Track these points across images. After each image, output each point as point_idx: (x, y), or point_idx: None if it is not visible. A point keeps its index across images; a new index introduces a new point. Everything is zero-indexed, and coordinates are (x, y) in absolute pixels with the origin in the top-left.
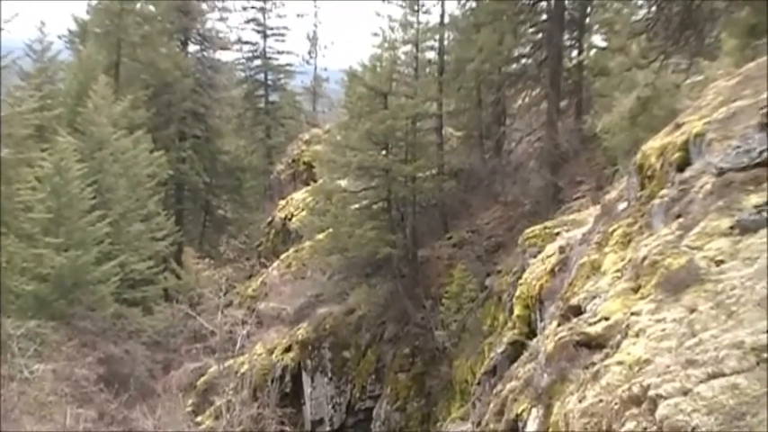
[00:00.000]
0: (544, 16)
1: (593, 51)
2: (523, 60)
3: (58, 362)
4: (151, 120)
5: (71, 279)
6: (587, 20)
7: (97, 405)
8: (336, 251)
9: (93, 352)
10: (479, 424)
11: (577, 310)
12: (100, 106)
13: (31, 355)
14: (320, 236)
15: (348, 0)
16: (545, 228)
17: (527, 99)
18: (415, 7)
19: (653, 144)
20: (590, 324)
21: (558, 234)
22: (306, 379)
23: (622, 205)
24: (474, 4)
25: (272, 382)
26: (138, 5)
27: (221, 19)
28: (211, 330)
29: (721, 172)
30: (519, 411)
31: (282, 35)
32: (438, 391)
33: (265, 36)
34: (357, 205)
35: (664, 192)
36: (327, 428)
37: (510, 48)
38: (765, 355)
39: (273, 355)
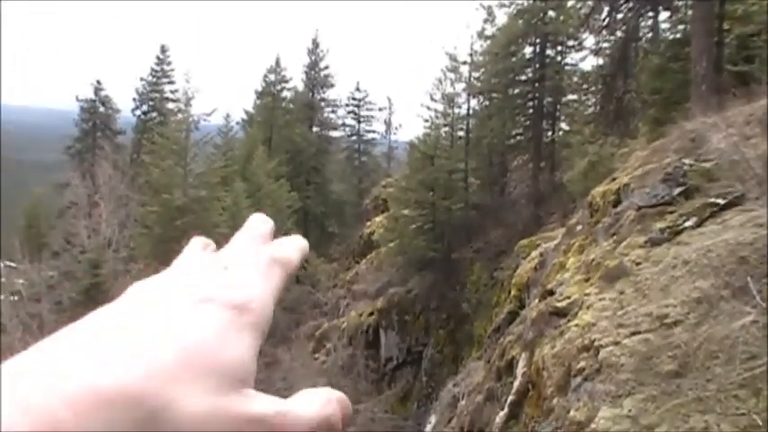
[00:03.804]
0: (531, 110)
1: (561, 132)
2: (518, 137)
3: None
4: (289, 172)
5: None
6: (558, 113)
7: None
8: (401, 254)
9: None
10: (489, 362)
11: (550, 293)
12: (259, 164)
13: None
14: (391, 244)
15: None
16: (531, 241)
17: (520, 161)
18: (451, 104)
19: (598, 190)
20: (558, 301)
21: (539, 245)
22: (381, 332)
23: (579, 228)
24: (487, 102)
25: (361, 333)
26: (283, 104)
27: (333, 111)
28: (324, 302)
29: (639, 207)
30: (514, 354)
31: (370, 121)
32: (464, 341)
33: (359, 121)
34: (414, 225)
35: (604, 219)
36: (394, 363)
37: (510, 129)
38: (665, 321)
39: (362, 318)
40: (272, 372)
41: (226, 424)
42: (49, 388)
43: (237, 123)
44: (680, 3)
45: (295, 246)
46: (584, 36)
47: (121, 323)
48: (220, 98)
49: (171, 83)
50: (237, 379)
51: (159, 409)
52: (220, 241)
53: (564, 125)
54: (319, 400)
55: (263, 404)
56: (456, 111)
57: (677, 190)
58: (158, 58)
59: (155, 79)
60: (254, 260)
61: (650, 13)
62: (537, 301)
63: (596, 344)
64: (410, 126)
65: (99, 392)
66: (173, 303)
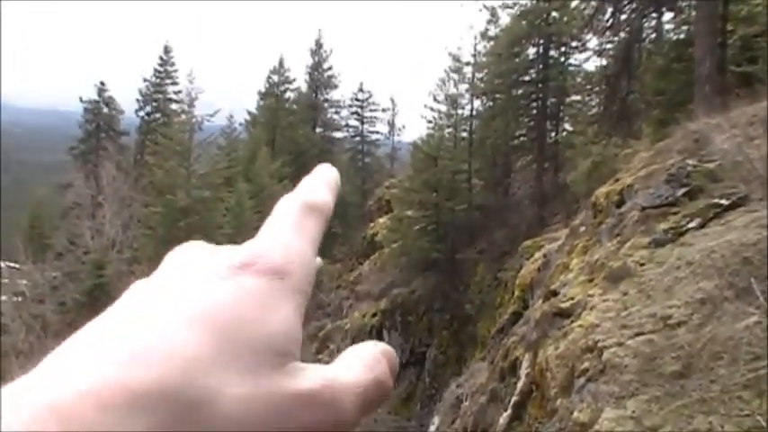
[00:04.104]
0: (535, 111)
1: (564, 133)
2: (522, 138)
3: None
4: (292, 173)
5: None
6: (561, 113)
7: None
8: (404, 254)
9: None
10: (492, 362)
11: (554, 293)
12: (263, 165)
13: None
14: (394, 245)
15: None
16: (535, 242)
17: (524, 162)
18: (454, 105)
19: (602, 190)
20: (562, 302)
21: (543, 246)
22: (385, 333)
23: (583, 228)
24: (491, 103)
25: (365, 334)
26: (287, 105)
27: (336, 112)
28: (328, 302)
29: (643, 208)
30: (517, 355)
31: (373, 122)
32: (467, 342)
33: (362, 122)
34: (417, 226)
35: (608, 220)
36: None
37: (513, 130)
38: (669, 322)
39: (365, 318)
40: None
41: (273, 405)
42: (78, 389)
43: (241, 124)
44: (683, 3)
45: (325, 181)
46: (588, 37)
47: (149, 307)
48: (224, 99)
49: (174, 84)
50: (281, 353)
51: (199, 401)
52: (224, 243)
53: (567, 126)
54: (365, 360)
55: (309, 379)
56: (459, 111)
57: (681, 191)
58: (161, 58)
59: (158, 80)
60: (285, 212)
61: (654, 14)
62: (540, 301)
63: (600, 345)
64: (413, 127)
65: (132, 389)
66: (204, 276)
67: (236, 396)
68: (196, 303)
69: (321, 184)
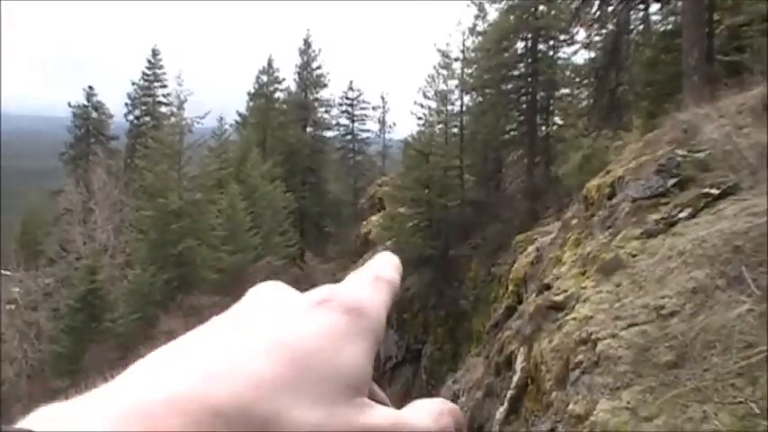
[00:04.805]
0: (525, 105)
1: (555, 127)
2: (513, 132)
3: None
4: (284, 173)
5: (238, 271)
6: (551, 107)
7: None
8: (398, 252)
9: None
10: (488, 357)
11: (547, 287)
12: (254, 166)
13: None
14: (388, 243)
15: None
16: (528, 236)
17: (515, 156)
18: (444, 101)
19: (593, 183)
20: (555, 295)
21: (535, 239)
22: None
23: (575, 221)
24: (481, 98)
25: None
26: (277, 105)
27: (326, 111)
28: None
29: (634, 200)
30: (512, 350)
31: (363, 120)
32: (462, 338)
33: (353, 121)
34: (410, 223)
35: (600, 212)
36: (394, 361)
37: (504, 125)
38: (662, 312)
39: None
40: None
41: None
42: (162, 397)
43: (231, 125)
44: None
45: (392, 264)
46: (576, 30)
47: (231, 331)
48: (213, 100)
49: (163, 86)
50: (352, 387)
51: (269, 421)
52: (217, 245)
53: (558, 119)
54: (434, 413)
55: (378, 415)
56: (449, 108)
57: (671, 181)
58: (150, 61)
59: (147, 83)
60: (359, 276)
61: (641, 6)
62: (534, 295)
63: (594, 337)
64: (404, 124)
65: (210, 402)
66: (285, 309)
67: (304, 420)
68: (275, 332)
69: (389, 263)
